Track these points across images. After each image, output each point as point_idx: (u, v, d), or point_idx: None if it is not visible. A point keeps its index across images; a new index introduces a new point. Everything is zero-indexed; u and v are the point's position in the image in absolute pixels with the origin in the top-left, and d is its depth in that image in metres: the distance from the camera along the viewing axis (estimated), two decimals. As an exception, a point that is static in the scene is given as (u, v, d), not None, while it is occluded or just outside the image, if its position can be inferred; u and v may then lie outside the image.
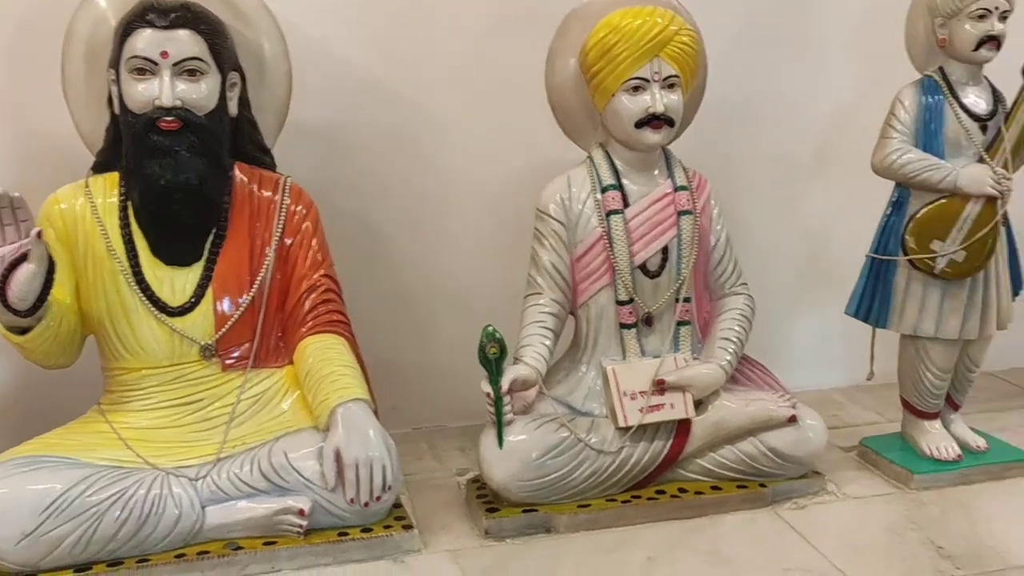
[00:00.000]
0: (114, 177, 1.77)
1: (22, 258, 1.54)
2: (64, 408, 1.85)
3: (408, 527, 1.78)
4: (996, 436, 2.22)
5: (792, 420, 1.92)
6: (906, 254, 1.93)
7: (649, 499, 1.89)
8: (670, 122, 1.88)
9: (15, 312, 1.57)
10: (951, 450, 2.04)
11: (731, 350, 1.96)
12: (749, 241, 2.52)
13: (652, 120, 1.86)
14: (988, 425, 2.33)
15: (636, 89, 1.86)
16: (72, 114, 1.81)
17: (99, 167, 1.80)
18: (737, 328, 2.00)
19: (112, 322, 1.75)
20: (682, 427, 1.91)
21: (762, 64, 2.44)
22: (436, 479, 2.10)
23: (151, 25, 1.65)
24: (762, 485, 1.94)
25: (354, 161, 2.26)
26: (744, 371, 2.06)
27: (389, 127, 2.27)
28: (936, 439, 2.06)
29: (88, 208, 1.74)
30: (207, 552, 1.68)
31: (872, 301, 2.03)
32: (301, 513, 1.70)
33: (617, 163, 1.96)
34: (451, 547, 1.80)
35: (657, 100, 1.85)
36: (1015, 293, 2.10)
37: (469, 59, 2.26)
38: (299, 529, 1.71)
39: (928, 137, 1.93)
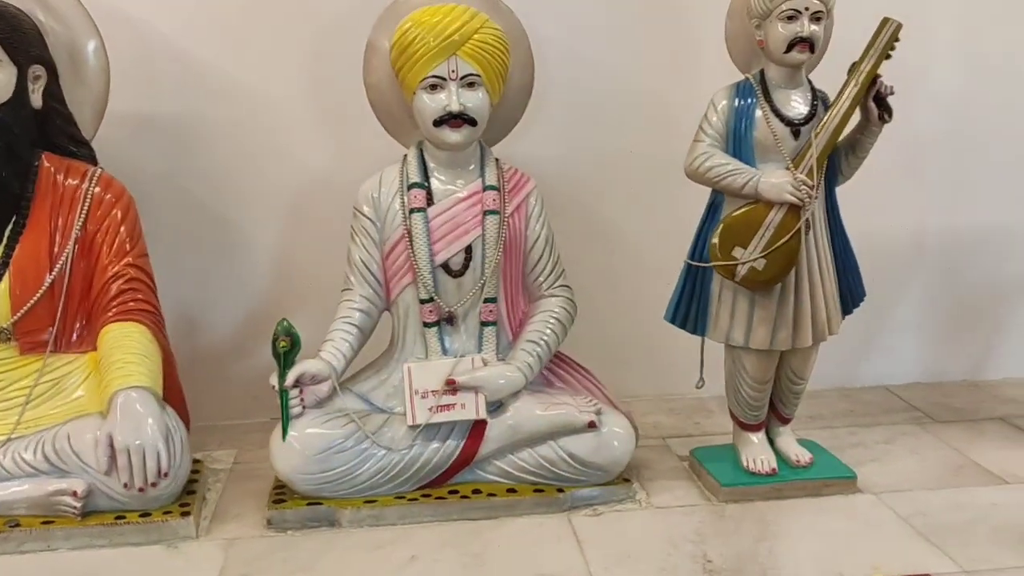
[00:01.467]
0: (-81, 165, 1.84)
1: None
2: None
3: (186, 514, 1.82)
4: (845, 451, 2.16)
5: (591, 426, 1.90)
6: (711, 260, 1.88)
7: (439, 498, 1.89)
8: (471, 121, 1.87)
9: None
10: (766, 463, 1.98)
11: (535, 353, 1.95)
12: (622, 245, 2.50)
13: (451, 119, 1.86)
14: (845, 440, 2.27)
15: (434, 87, 1.86)
16: None
17: (-90, 155, 1.87)
18: (547, 331, 1.98)
19: (-87, 303, 1.83)
20: (476, 428, 1.90)
21: (637, 63, 2.40)
22: (262, 469, 2.12)
23: (-62, 20, 1.72)
24: (559, 490, 1.92)
25: (207, 155, 2.31)
26: (561, 374, 2.05)
27: (241, 120, 2.31)
28: (755, 451, 2.01)
29: None
30: (-16, 527, 1.75)
31: (689, 308, 1.99)
32: (75, 495, 1.76)
33: (429, 161, 1.96)
34: (230, 536, 1.83)
35: (454, 99, 1.85)
36: (853, 305, 2.03)
37: (320, 47, 2.28)
38: (74, 510, 1.76)
39: (737, 141, 1.88)
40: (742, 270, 1.85)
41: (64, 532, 1.77)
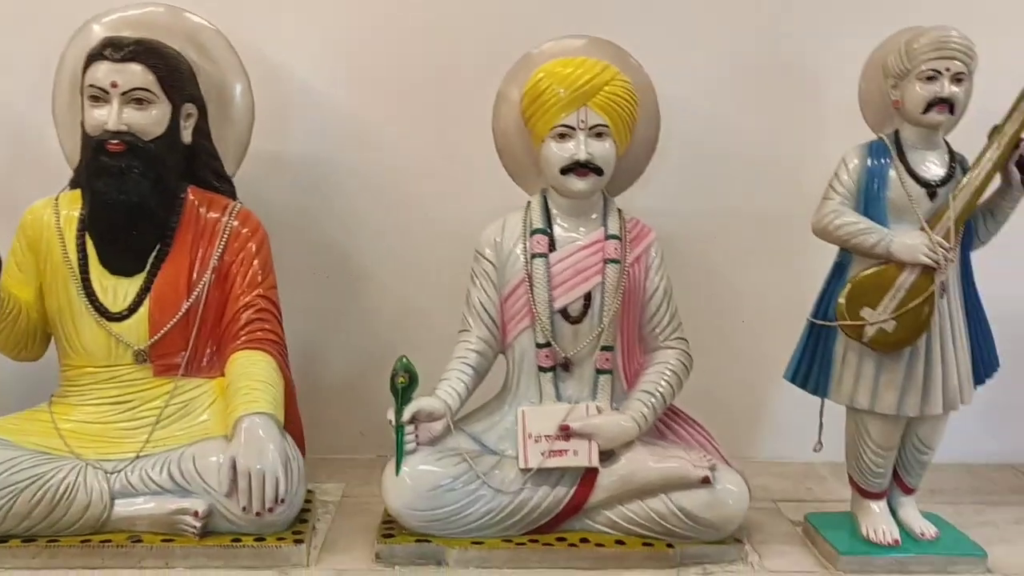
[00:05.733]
0: (79, 192, 1.96)
1: None
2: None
3: (299, 541, 1.85)
4: (972, 529, 2.05)
5: (705, 481, 1.86)
6: (837, 320, 1.84)
7: (546, 545, 1.87)
8: (597, 170, 1.89)
9: None
10: (888, 534, 1.90)
11: (650, 403, 1.93)
12: (739, 302, 2.47)
13: (578, 167, 1.88)
14: (971, 518, 2.15)
15: (563, 136, 1.89)
16: (58, 135, 2.04)
17: (73, 183, 2.00)
18: (662, 383, 1.96)
19: (62, 322, 1.93)
20: (588, 476, 1.89)
21: (759, 122, 2.40)
22: (370, 505, 2.15)
23: (107, 58, 1.84)
24: (669, 545, 1.88)
25: (337, 196, 2.40)
26: (674, 427, 2.02)
27: (371, 164, 2.39)
28: (876, 520, 1.93)
29: (53, 219, 1.94)
30: (110, 540, 1.81)
31: (811, 367, 1.94)
32: (196, 515, 1.81)
33: (552, 208, 1.99)
34: (339, 567, 1.85)
35: (582, 148, 1.87)
36: (985, 375, 1.94)
37: (449, 96, 2.35)
38: (194, 530, 1.81)
39: (869, 200, 1.84)
40: (870, 331, 1.80)
41: (183, 551, 1.81)
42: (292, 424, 1.97)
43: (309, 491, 2.08)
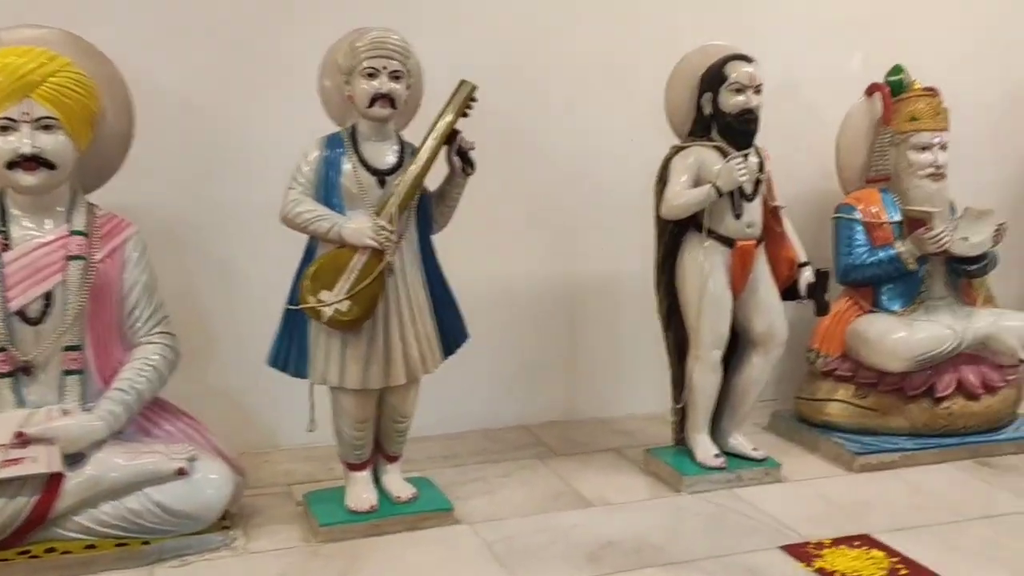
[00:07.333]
0: None
1: None
2: None
3: None
4: (466, 486, 2.26)
5: (181, 473, 1.87)
6: (300, 303, 1.93)
7: (4, 560, 1.78)
8: (49, 164, 1.83)
9: None
10: (366, 501, 2.04)
11: (123, 401, 1.90)
12: (252, 290, 2.47)
13: (24, 161, 1.80)
14: (470, 475, 2.38)
15: (6, 129, 1.80)
16: None
17: None
18: (139, 379, 1.94)
19: None
20: (52, 483, 1.81)
21: (250, 113, 2.42)
22: None
23: None
24: (145, 543, 1.86)
25: None
26: (160, 422, 2.01)
27: None
28: (358, 490, 2.07)
29: None
30: None
31: (289, 351, 2.02)
32: None
33: (11, 207, 1.89)
34: None
35: (26, 141, 1.80)
36: (455, 345, 2.13)
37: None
38: None
39: (327, 189, 1.96)
40: (328, 312, 1.91)
41: None
42: None
43: None
